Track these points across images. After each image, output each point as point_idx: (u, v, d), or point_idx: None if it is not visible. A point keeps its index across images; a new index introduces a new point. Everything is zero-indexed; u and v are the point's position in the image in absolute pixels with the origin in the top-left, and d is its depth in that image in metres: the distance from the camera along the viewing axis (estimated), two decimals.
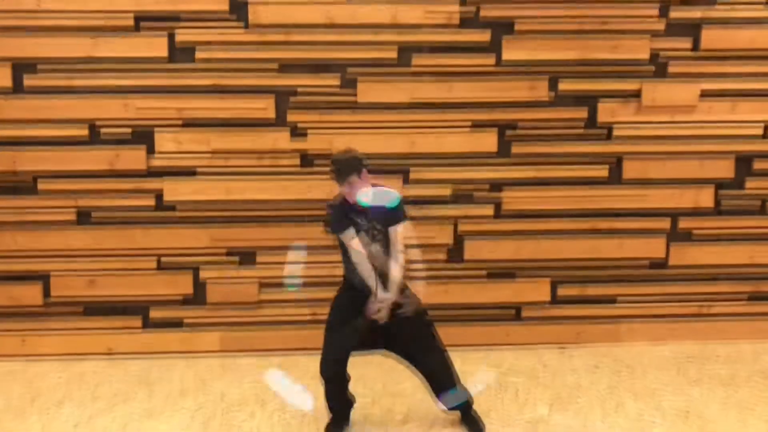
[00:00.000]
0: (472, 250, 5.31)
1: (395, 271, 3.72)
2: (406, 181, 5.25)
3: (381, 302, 3.62)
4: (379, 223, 3.71)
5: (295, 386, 3.77)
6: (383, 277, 3.69)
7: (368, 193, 3.67)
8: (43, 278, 5.20)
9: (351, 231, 3.71)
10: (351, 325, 3.71)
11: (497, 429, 3.80)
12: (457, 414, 3.98)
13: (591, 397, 4.29)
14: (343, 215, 3.75)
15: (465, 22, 5.19)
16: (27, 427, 3.88)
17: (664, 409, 4.08)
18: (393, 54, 5.17)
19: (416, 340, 3.74)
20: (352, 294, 3.80)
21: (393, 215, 3.79)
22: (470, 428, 3.83)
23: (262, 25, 5.10)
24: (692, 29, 5.26)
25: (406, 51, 5.19)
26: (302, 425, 3.91)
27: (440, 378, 3.81)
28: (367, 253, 3.70)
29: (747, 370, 4.76)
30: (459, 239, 5.32)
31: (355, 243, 3.71)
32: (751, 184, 5.38)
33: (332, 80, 5.17)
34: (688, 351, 5.21)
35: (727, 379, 4.59)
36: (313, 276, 5.23)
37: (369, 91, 5.18)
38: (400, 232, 3.75)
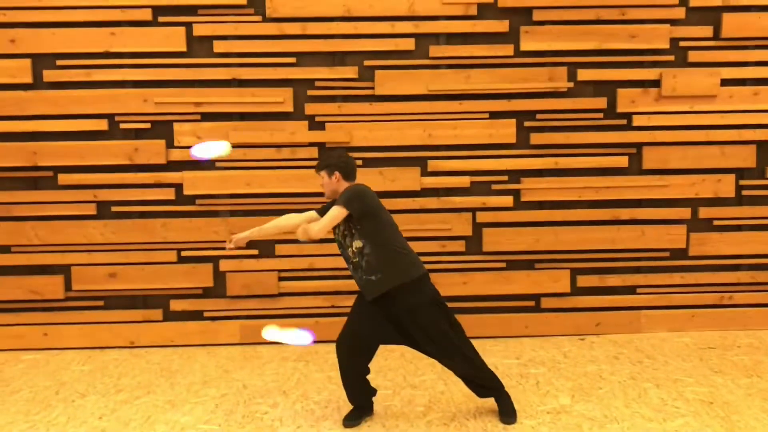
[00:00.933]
0: (491, 240, 5.30)
1: (283, 221, 3.82)
2: (424, 172, 5.24)
3: (234, 238, 3.77)
4: (349, 219, 3.62)
5: (291, 331, 3.72)
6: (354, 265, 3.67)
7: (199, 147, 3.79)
8: (64, 271, 5.24)
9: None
10: (369, 318, 3.69)
11: (519, 419, 3.78)
12: (477, 404, 3.97)
13: (613, 386, 4.26)
14: (327, 207, 3.84)
15: (483, 12, 5.18)
16: (53, 419, 3.90)
17: (688, 398, 4.05)
18: (410, 45, 5.16)
19: (436, 348, 3.70)
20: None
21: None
22: (502, 412, 3.81)
23: (279, 18, 5.11)
24: (712, 16, 5.22)
25: (423, 41, 5.19)
26: (325, 413, 3.92)
27: (467, 378, 3.79)
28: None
29: (751, 357, 4.72)
30: (477, 230, 5.31)
31: (309, 214, 3.89)
32: None
33: (350, 72, 5.16)
34: (709, 340, 5.18)
35: (751, 368, 4.55)
36: (332, 267, 5.24)
37: (386, 82, 5.17)
38: (330, 211, 3.61)
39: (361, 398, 3.86)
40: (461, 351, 3.71)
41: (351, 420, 3.79)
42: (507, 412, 3.79)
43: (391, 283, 3.59)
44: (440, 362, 3.77)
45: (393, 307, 3.65)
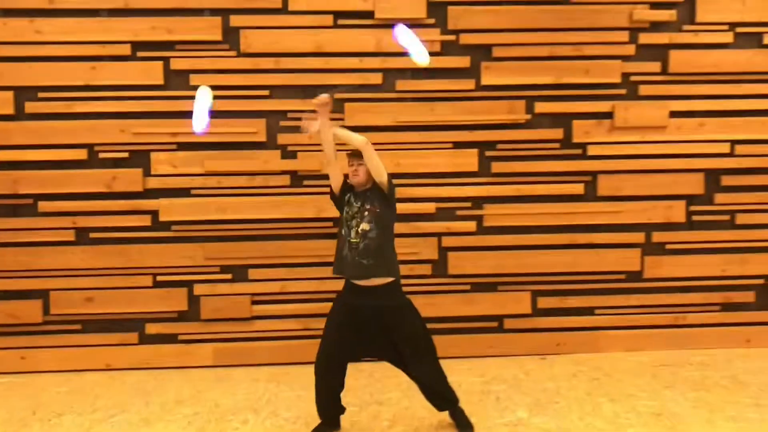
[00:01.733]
0: (456, 264, 5.54)
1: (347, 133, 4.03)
2: None
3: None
4: (372, 203, 3.91)
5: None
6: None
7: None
8: (43, 296, 5.39)
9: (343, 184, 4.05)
10: (342, 333, 3.91)
11: (478, 431, 4.00)
12: (439, 418, 4.18)
13: (569, 401, 4.49)
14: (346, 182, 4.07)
15: (446, 49, 5.49)
16: None
17: (639, 411, 4.29)
18: (378, 79, 5.45)
19: (411, 348, 3.93)
20: (344, 300, 3.98)
21: (386, 199, 3.96)
22: (458, 425, 4.03)
23: (253, 53, 5.38)
24: (660, 53, 5.57)
25: (390, 76, 5.48)
26: (294, 428, 4.10)
27: (432, 386, 4.01)
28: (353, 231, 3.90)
29: (718, 375, 4.98)
30: (443, 254, 5.56)
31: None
32: (721, 199, 5.65)
33: None
34: (663, 358, 5.44)
35: (699, 383, 4.81)
36: (304, 291, 5.45)
37: (356, 114, 5.45)
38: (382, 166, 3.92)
39: (331, 413, 4.05)
40: (433, 354, 3.97)
41: None
42: (463, 425, 4.01)
43: (378, 273, 3.85)
44: (410, 368, 3.97)
45: (374, 306, 3.85)
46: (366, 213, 3.90)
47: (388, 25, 5.32)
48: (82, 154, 5.35)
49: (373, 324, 3.90)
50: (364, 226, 3.88)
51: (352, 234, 3.90)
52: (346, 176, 4.08)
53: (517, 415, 4.27)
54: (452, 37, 5.46)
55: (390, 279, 3.90)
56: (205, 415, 4.37)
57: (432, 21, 5.46)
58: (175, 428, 4.16)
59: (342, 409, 4.11)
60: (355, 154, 4.00)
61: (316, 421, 4.10)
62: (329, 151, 4.04)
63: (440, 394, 4.03)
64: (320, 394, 3.97)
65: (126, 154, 5.38)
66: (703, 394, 4.61)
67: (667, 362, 5.35)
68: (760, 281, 5.70)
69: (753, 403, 4.41)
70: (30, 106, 5.30)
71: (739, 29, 5.59)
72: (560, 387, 4.81)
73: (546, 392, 4.69)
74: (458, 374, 5.09)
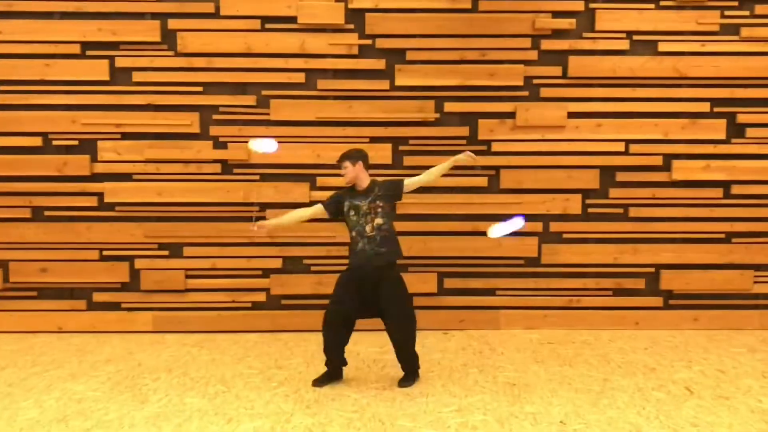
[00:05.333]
0: None
1: (297, 215, 4.97)
2: (313, 186, 6.10)
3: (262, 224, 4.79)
4: (381, 200, 4.70)
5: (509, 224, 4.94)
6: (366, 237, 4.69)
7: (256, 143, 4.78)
8: (3, 266, 6.12)
9: (328, 208, 4.84)
10: (348, 295, 4.69)
11: (352, 393, 4.64)
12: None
13: (443, 370, 5.10)
14: (335, 198, 4.84)
15: (363, 52, 6.04)
16: None
17: (498, 380, 4.89)
18: (301, 78, 6.04)
19: (398, 311, 4.70)
20: (351, 272, 4.75)
21: (393, 192, 4.79)
22: (404, 379, 4.83)
23: (188, 53, 6.00)
24: (561, 58, 6.07)
25: (312, 75, 6.06)
26: (195, 386, 4.77)
27: (405, 343, 4.78)
28: (368, 228, 4.68)
29: (590, 353, 5.55)
30: None
31: (316, 207, 4.93)
32: (615, 194, 6.17)
33: (249, 100, 6.04)
34: (553, 337, 6.02)
35: (568, 359, 5.39)
36: (232, 267, 6.11)
37: (280, 110, 6.05)
38: (412, 183, 4.82)
39: (335, 363, 4.84)
40: (413, 317, 4.81)
41: (320, 381, 4.80)
42: (404, 381, 4.81)
43: (390, 257, 4.71)
44: (394, 328, 4.76)
45: (375, 278, 4.65)
46: (379, 210, 4.69)
47: (311, 29, 5.94)
48: (37, 142, 6.03)
49: (369, 295, 4.70)
50: (379, 220, 4.68)
51: (368, 228, 4.69)
52: (326, 202, 4.88)
53: (390, 381, 4.90)
54: (369, 42, 6.02)
55: (397, 258, 4.76)
56: (125, 373, 5.08)
57: (351, 26, 6.02)
58: (94, 383, 4.87)
59: (345, 362, 4.90)
60: (342, 158, 4.78)
61: (223, 381, 4.80)
62: (295, 224, 5.04)
63: (410, 354, 4.82)
64: (329, 345, 4.78)
65: (76, 142, 6.05)
66: (566, 368, 5.19)
67: (555, 340, 5.93)
68: (650, 269, 6.24)
69: (602, 377, 4.98)
70: None
71: (636, 37, 6.06)
72: (444, 358, 5.42)
73: (428, 363, 5.30)
74: (362, 345, 5.75)
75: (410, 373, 4.88)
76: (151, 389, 4.74)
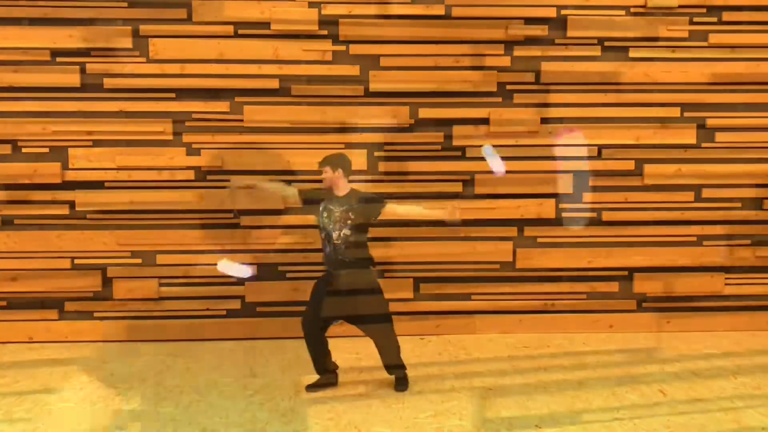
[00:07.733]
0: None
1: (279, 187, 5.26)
2: None
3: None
4: (354, 213, 4.70)
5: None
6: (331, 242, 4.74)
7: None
8: None
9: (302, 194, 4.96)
10: (320, 298, 4.74)
11: (328, 400, 4.63)
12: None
13: (418, 376, 5.10)
14: (314, 192, 4.95)
15: (337, 58, 6.04)
16: None
17: (474, 386, 4.91)
18: (275, 84, 6.02)
19: (374, 318, 4.75)
20: (326, 277, 4.82)
21: (368, 212, 4.79)
22: (396, 384, 4.87)
23: (161, 59, 5.95)
24: (533, 65, 6.12)
25: (286, 81, 6.04)
26: (169, 396, 4.72)
27: (382, 346, 4.84)
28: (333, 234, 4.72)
29: (565, 357, 5.60)
30: None
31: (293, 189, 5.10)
32: (588, 198, 6.23)
33: (222, 106, 6.01)
34: (528, 341, 6.05)
35: (543, 364, 5.42)
36: (206, 275, 6.06)
37: (254, 116, 6.02)
38: (391, 211, 4.83)
39: (325, 366, 4.87)
40: (390, 322, 4.88)
41: (314, 387, 4.82)
42: (398, 385, 4.88)
43: (356, 265, 4.73)
44: (372, 335, 4.83)
45: (344, 284, 4.69)
46: (349, 221, 4.70)
47: (284, 35, 5.93)
48: (6, 149, 5.94)
49: (346, 294, 4.73)
50: (346, 232, 4.69)
51: (335, 236, 4.72)
52: (304, 190, 5.01)
53: (366, 388, 4.89)
54: (343, 47, 6.02)
55: (364, 269, 4.77)
56: (98, 383, 5.01)
57: (324, 32, 6.01)
58: (67, 394, 4.80)
59: (335, 366, 4.93)
60: (323, 162, 4.81)
61: (197, 390, 4.78)
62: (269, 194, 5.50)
63: (389, 363, 4.88)
64: (312, 348, 4.80)
65: (46, 150, 5.96)
66: (541, 373, 5.23)
67: (529, 344, 5.97)
68: (623, 273, 6.30)
69: (577, 381, 5.02)
70: None
71: (607, 43, 6.13)
72: (420, 364, 5.42)
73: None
74: (338, 351, 5.65)
75: (401, 378, 4.91)
76: (124, 399, 4.68)
